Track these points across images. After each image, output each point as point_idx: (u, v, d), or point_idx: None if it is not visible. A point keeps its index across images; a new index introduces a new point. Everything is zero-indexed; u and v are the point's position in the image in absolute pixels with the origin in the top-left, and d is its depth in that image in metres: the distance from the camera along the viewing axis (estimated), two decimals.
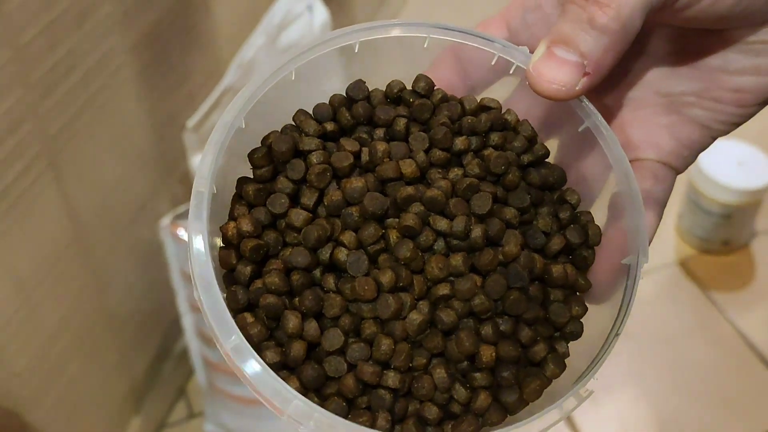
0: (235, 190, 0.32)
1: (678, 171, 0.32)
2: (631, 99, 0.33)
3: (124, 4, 0.75)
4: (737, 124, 0.32)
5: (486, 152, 0.32)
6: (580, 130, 0.32)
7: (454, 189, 0.31)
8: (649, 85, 0.32)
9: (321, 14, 0.84)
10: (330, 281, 0.30)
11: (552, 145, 0.35)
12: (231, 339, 0.27)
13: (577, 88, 0.28)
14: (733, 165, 1.18)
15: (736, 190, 1.16)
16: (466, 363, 0.30)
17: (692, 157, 0.32)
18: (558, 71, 0.28)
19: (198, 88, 0.92)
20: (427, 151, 0.32)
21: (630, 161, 0.31)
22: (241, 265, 0.30)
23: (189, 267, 0.29)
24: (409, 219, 0.30)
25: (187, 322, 0.92)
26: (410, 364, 0.29)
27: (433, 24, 0.34)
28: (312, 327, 0.29)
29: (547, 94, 0.29)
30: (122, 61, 0.77)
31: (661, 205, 0.31)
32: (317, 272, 0.30)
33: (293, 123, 0.33)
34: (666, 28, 0.32)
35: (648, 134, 0.32)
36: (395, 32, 0.33)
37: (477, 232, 0.30)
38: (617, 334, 0.30)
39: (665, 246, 1.26)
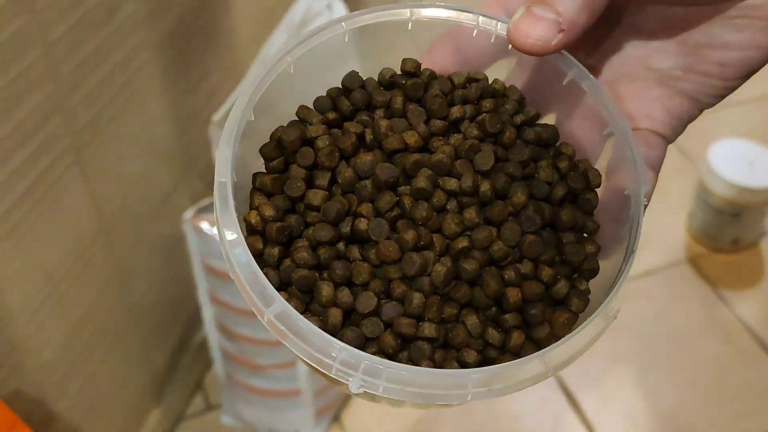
0: (251, 185, 0.34)
1: (668, 140, 0.34)
2: (624, 74, 0.35)
3: (149, 2, 0.77)
4: (722, 96, 0.33)
5: (480, 118, 0.34)
6: (564, 82, 0.35)
7: (456, 152, 0.33)
8: (639, 61, 0.34)
9: (340, 12, 0.85)
10: (355, 251, 0.31)
11: (550, 121, 0.37)
12: (274, 305, 0.29)
13: (552, 43, 0.30)
14: (743, 164, 1.19)
15: (746, 188, 1.17)
16: (494, 309, 0.31)
17: (682, 127, 0.34)
18: (535, 27, 0.30)
19: (218, 86, 0.94)
20: (426, 123, 0.34)
21: None
22: (268, 248, 0.31)
23: (223, 257, 0.30)
24: (421, 181, 0.31)
25: (207, 313, 0.94)
26: (442, 316, 0.30)
27: (414, 4, 0.35)
28: (345, 294, 0.30)
29: (525, 48, 0.31)
30: (146, 59, 0.79)
31: (655, 169, 0.33)
32: (341, 245, 0.32)
33: (297, 118, 0.35)
34: (652, 6, 0.34)
35: (641, 106, 0.34)
36: (377, 16, 0.35)
37: (485, 186, 0.32)
38: (633, 251, 0.31)
39: (675, 244, 1.27)
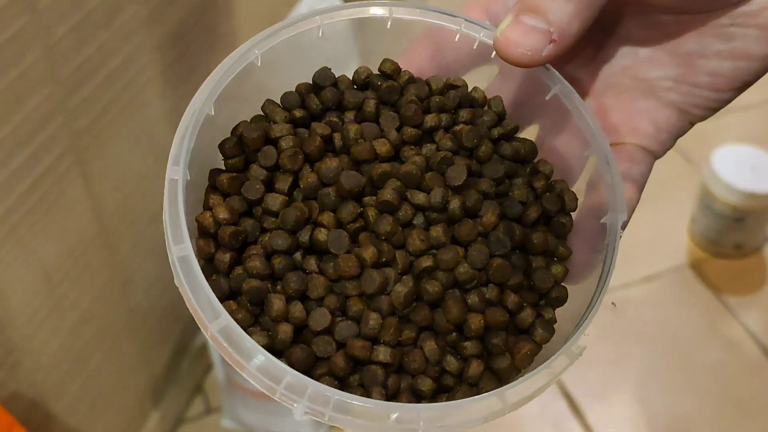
0: (207, 183, 0.32)
1: (656, 155, 0.33)
2: (612, 85, 0.33)
3: (149, 4, 0.77)
4: (714, 110, 0.32)
5: (457, 128, 0.33)
6: (547, 98, 0.33)
7: (428, 164, 0.31)
8: (627, 71, 0.33)
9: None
10: (312, 263, 0.29)
11: (531, 133, 0.35)
12: (218, 320, 0.27)
13: (543, 54, 0.29)
14: (746, 169, 1.19)
15: (749, 193, 1.17)
16: (455, 334, 0.29)
17: (670, 141, 0.33)
18: (525, 37, 0.29)
19: None
20: (398, 130, 0.32)
21: (610, 144, 0.32)
22: (219, 253, 0.29)
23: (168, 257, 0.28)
24: (387, 194, 0.29)
25: None
26: (399, 339, 0.29)
27: (393, 3, 0.34)
28: (297, 309, 0.28)
29: (514, 59, 0.29)
30: (147, 61, 0.79)
31: (638, 186, 0.32)
32: (298, 255, 0.30)
33: (262, 113, 0.33)
34: (641, 14, 0.32)
35: (627, 118, 0.32)
36: (356, 13, 0.34)
37: (455, 203, 0.30)
38: (605, 284, 0.30)
39: (677, 249, 1.27)
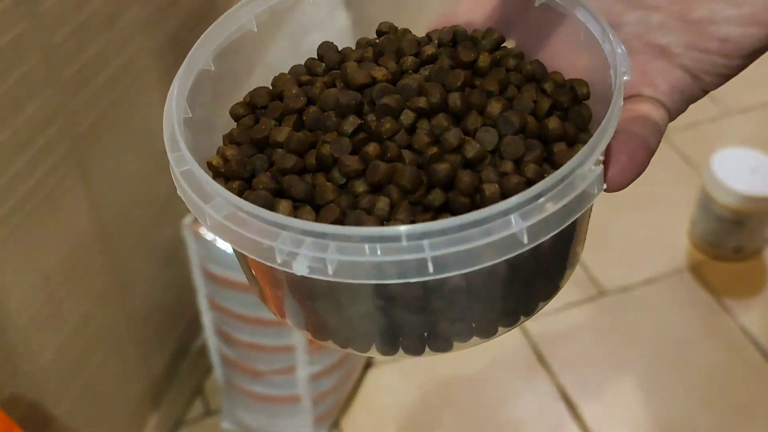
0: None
1: (670, 114, 0.33)
2: (626, 50, 0.33)
3: (150, 7, 0.77)
4: (725, 76, 0.32)
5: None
6: (537, 4, 0.33)
7: (427, 79, 0.31)
8: (640, 38, 0.33)
9: (342, 20, 0.85)
10: (320, 178, 0.30)
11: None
12: (213, 202, 0.27)
13: None
14: (746, 172, 1.19)
15: (748, 196, 1.17)
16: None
17: (683, 104, 0.33)
18: None
19: None
20: (397, 64, 0.33)
21: (628, 98, 0.32)
22: (229, 184, 0.30)
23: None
24: (385, 99, 0.30)
25: (207, 319, 0.93)
26: (412, 219, 0.28)
27: None
28: (306, 211, 0.28)
29: None
30: (148, 63, 0.79)
31: (659, 133, 0.32)
32: (307, 177, 0.30)
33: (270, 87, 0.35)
34: None
35: (643, 77, 0.33)
36: None
37: (455, 96, 0.30)
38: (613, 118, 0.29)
39: (677, 252, 1.27)
